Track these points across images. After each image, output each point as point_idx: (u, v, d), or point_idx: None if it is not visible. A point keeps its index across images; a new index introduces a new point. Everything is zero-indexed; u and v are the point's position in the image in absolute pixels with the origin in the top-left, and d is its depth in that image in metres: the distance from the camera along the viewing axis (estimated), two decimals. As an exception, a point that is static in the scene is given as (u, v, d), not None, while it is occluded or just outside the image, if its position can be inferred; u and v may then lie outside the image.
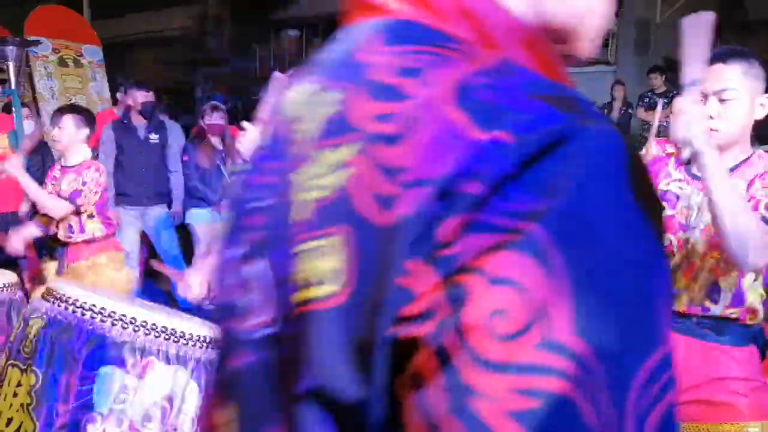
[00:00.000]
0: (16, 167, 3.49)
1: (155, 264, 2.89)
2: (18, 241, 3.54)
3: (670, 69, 7.67)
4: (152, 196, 5.20)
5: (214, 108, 5.57)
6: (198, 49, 16.10)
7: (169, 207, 5.34)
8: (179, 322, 2.13)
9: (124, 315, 2.05)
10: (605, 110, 7.80)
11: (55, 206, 3.47)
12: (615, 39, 11.29)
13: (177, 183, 5.33)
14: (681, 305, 1.79)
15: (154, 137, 5.21)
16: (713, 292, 1.76)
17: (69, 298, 2.08)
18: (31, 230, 3.65)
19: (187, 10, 16.39)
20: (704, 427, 1.75)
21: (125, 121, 5.20)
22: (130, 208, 5.07)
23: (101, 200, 3.57)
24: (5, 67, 7.47)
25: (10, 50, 4.89)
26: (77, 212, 3.49)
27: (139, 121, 5.18)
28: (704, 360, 1.74)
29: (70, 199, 3.43)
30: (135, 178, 5.13)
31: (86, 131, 3.57)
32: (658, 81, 7.76)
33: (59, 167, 3.62)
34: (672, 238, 1.82)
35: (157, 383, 2.03)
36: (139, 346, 2.02)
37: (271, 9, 15.44)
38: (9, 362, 2.10)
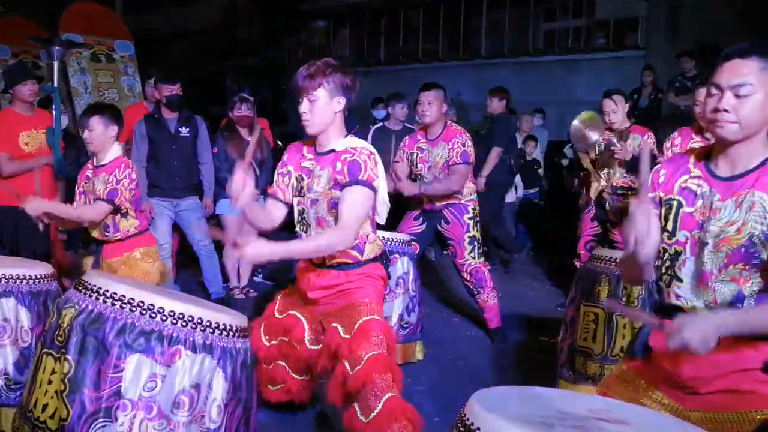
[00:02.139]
0: (37, 209, 3.43)
1: (215, 232, 2.95)
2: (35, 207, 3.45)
3: (701, 52, 7.53)
4: (184, 187, 5.28)
5: (243, 100, 5.64)
6: (228, 41, 16.24)
7: (201, 198, 5.43)
8: (206, 312, 2.18)
9: (152, 305, 2.11)
10: (635, 96, 7.70)
11: (94, 212, 3.53)
12: (644, 23, 11.11)
13: (208, 175, 5.40)
14: (698, 309, 1.79)
15: (184, 130, 5.28)
16: (736, 300, 1.75)
17: (99, 288, 2.16)
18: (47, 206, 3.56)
19: (216, 2, 16.53)
20: (732, 416, 1.75)
21: (156, 116, 5.28)
22: (162, 199, 5.18)
23: (135, 196, 3.63)
24: (42, 64, 7.69)
25: (57, 50, 5.03)
26: (116, 211, 3.56)
27: (169, 115, 5.26)
28: (729, 352, 1.73)
29: (108, 199, 3.50)
30: (167, 171, 5.21)
31: (115, 128, 3.61)
32: (688, 65, 7.64)
33: (92, 167, 3.67)
34: (688, 236, 1.80)
35: (184, 371, 2.09)
36: (166, 334, 2.09)
37: (299, 0, 15.50)
38: (44, 350, 2.18)
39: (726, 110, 1.70)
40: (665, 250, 1.86)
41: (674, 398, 1.84)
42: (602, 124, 4.80)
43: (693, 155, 1.89)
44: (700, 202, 1.80)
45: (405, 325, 4.10)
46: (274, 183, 2.90)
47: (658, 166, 1.95)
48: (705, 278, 1.78)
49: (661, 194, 1.89)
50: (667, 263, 1.85)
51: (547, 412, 1.56)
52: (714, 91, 1.74)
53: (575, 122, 4.91)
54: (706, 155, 1.86)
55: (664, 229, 1.86)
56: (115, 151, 3.63)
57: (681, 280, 1.82)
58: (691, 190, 1.83)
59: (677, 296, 1.82)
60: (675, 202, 1.85)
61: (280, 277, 5.90)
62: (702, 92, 4.08)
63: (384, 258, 2.86)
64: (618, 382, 1.96)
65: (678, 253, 1.82)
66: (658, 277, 1.90)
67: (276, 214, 2.85)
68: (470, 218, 4.54)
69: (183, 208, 5.27)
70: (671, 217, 1.84)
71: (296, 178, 2.79)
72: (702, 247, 1.78)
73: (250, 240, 2.42)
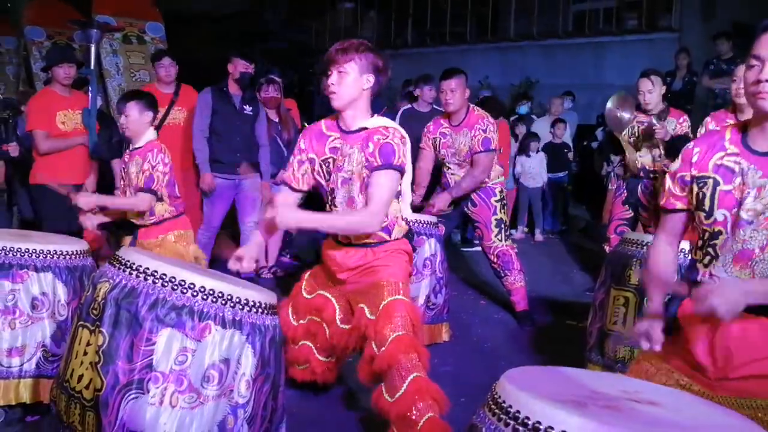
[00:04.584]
0: (88, 202, 3.70)
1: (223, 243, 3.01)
2: (90, 222, 3.75)
3: (738, 34, 7.34)
4: (245, 165, 5.24)
5: (270, 81, 5.64)
6: (255, 23, 16.24)
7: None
8: (235, 288, 2.21)
9: (183, 281, 2.14)
10: (669, 79, 7.56)
11: (140, 203, 3.62)
12: (678, 4, 10.86)
13: (265, 156, 5.35)
14: None
15: (248, 109, 5.26)
16: None
17: (133, 264, 2.19)
18: (101, 218, 3.84)
19: (244, -16, 16.52)
20: (764, 402, 1.73)
21: (224, 89, 5.25)
22: (223, 176, 5.14)
23: (169, 181, 3.69)
24: (76, 46, 7.77)
25: (95, 33, 5.11)
26: (158, 198, 3.64)
27: (236, 92, 5.23)
28: (764, 336, 1.71)
29: (146, 187, 3.58)
30: (228, 146, 5.16)
31: (150, 114, 3.70)
32: (724, 47, 7.41)
33: (128, 151, 3.77)
34: (727, 214, 1.77)
35: (214, 346, 2.12)
36: (197, 310, 2.12)
37: (327, -18, 15.44)
38: (80, 323, 2.23)
39: (767, 81, 1.67)
40: (704, 231, 1.83)
41: (703, 384, 1.81)
42: (632, 102, 4.76)
43: (728, 131, 1.85)
44: (738, 180, 1.77)
45: (432, 307, 4.11)
46: (288, 171, 2.86)
47: (691, 144, 1.92)
48: (746, 256, 1.75)
49: (695, 172, 1.85)
50: (707, 243, 1.82)
51: (579, 391, 1.55)
52: (754, 62, 1.71)
53: (608, 105, 4.86)
54: (741, 131, 1.82)
55: (699, 208, 1.83)
56: (149, 135, 3.71)
57: (719, 259, 1.79)
58: (728, 167, 1.80)
59: (711, 275, 1.80)
60: (711, 181, 1.81)
61: (306, 257, 5.95)
62: (741, 69, 4.01)
63: (409, 234, 2.87)
64: (644, 370, 1.94)
65: (718, 233, 1.80)
66: (695, 255, 1.88)
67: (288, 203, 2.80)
68: (497, 201, 4.52)
69: (245, 186, 5.23)
70: (708, 195, 1.81)
71: (322, 163, 2.77)
72: (743, 225, 1.75)
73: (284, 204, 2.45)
